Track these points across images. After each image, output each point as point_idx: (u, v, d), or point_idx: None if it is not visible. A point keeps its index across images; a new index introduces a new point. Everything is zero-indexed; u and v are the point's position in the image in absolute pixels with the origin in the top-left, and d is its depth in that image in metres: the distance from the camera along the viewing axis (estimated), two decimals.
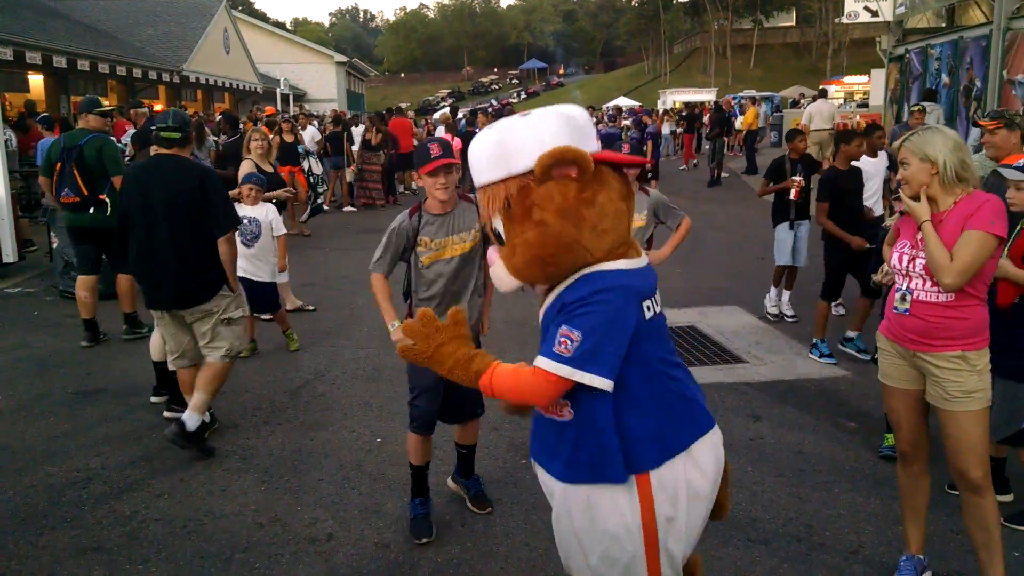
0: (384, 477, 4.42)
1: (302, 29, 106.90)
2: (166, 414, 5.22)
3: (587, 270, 2.05)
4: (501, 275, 2.13)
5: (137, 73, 21.75)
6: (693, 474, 2.13)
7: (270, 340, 6.81)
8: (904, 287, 3.18)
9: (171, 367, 4.90)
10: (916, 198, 3.12)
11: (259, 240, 6.40)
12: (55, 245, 8.70)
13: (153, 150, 4.81)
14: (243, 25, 36.83)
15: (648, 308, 2.07)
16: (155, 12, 28.95)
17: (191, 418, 4.62)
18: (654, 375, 2.11)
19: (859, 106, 27.93)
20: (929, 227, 3.05)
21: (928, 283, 3.08)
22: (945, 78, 17.20)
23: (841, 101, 35.04)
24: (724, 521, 3.86)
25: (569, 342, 1.97)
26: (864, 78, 37.17)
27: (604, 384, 1.99)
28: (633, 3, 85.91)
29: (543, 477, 2.27)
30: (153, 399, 5.53)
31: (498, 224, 2.09)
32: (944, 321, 3.06)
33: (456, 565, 3.58)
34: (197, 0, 30.98)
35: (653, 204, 4.86)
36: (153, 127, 4.77)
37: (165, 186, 4.53)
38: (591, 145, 2.03)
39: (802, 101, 35.76)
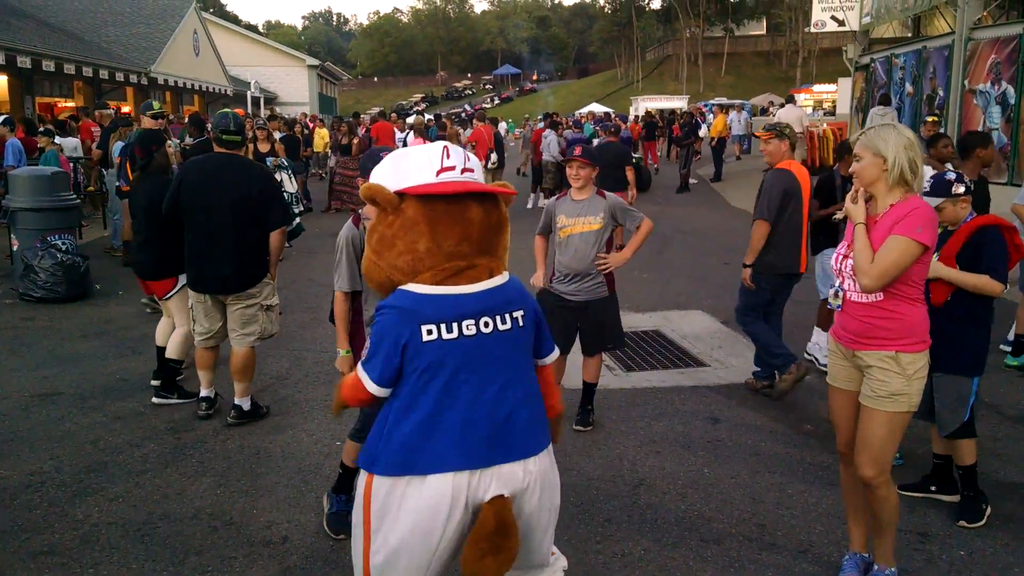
0: None
1: (275, 32, 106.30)
2: (155, 400, 5.56)
3: (399, 288, 2.30)
4: None
5: (104, 74, 21.50)
6: (411, 497, 2.23)
7: None
8: (838, 285, 3.26)
9: (198, 345, 5.24)
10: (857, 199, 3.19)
11: None
12: (15, 247, 8.58)
13: (157, 149, 5.54)
14: (213, 27, 36.54)
15: (430, 332, 2.23)
16: (123, 13, 28.60)
17: (244, 402, 5.20)
18: (416, 397, 2.26)
19: (826, 114, 28.32)
20: (861, 230, 3.11)
21: (858, 283, 3.14)
22: (909, 87, 17.49)
23: (810, 109, 35.46)
24: (678, 521, 3.95)
25: (366, 350, 2.32)
26: (833, 87, 37.70)
27: (373, 388, 2.29)
28: (606, 10, 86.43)
29: None
30: (153, 382, 5.68)
31: None
32: (877, 321, 3.11)
33: None
34: (166, 1, 30.68)
35: (610, 207, 4.88)
36: (212, 128, 5.18)
37: (232, 184, 4.92)
38: (420, 177, 2.27)
39: (771, 109, 36.16)
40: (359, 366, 2.33)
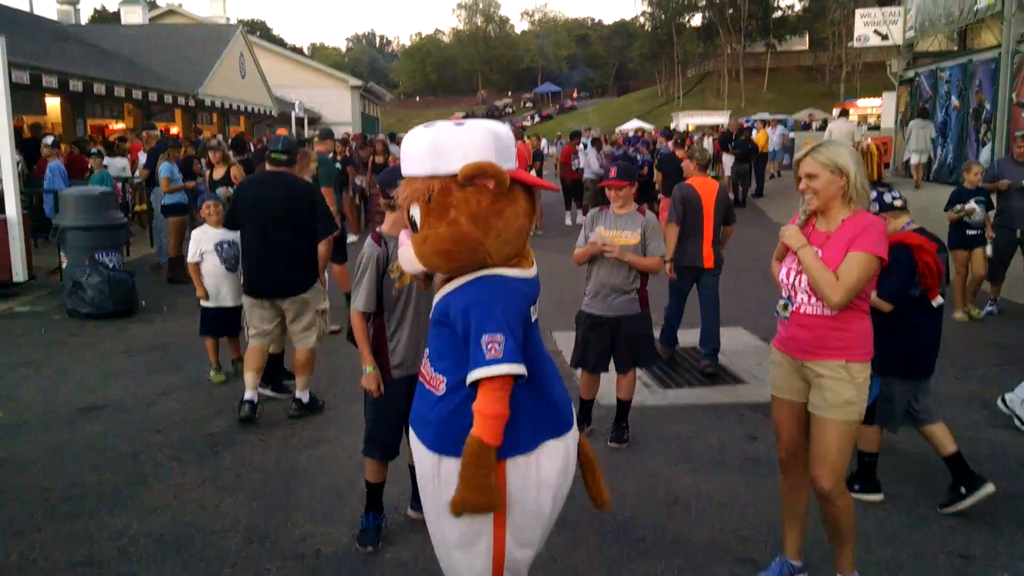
0: None
1: (319, 54, 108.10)
2: (261, 389, 5.80)
3: (484, 272, 2.35)
4: (409, 257, 2.43)
5: (153, 97, 22.01)
6: (547, 463, 2.40)
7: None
8: (787, 297, 3.29)
9: (250, 340, 5.65)
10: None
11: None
12: (64, 265, 8.81)
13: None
14: (259, 50, 37.23)
15: (533, 312, 2.45)
16: (172, 37, 29.36)
17: (304, 395, 5.69)
18: (528, 371, 2.35)
19: (870, 128, 27.92)
20: (808, 252, 3.15)
21: (813, 298, 3.18)
22: (955, 100, 17.21)
23: (855, 123, 34.96)
24: (712, 541, 3.89)
25: (498, 346, 2.24)
26: (877, 101, 37.16)
27: (521, 369, 2.29)
28: (646, 28, 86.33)
29: (414, 442, 2.56)
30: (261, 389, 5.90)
31: (415, 213, 2.37)
32: (828, 332, 3.16)
33: None
34: (213, 26, 31.44)
35: (645, 225, 4.89)
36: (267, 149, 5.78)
37: (279, 198, 5.41)
38: (510, 162, 2.32)
39: (813, 124, 35.77)
40: (496, 368, 2.23)
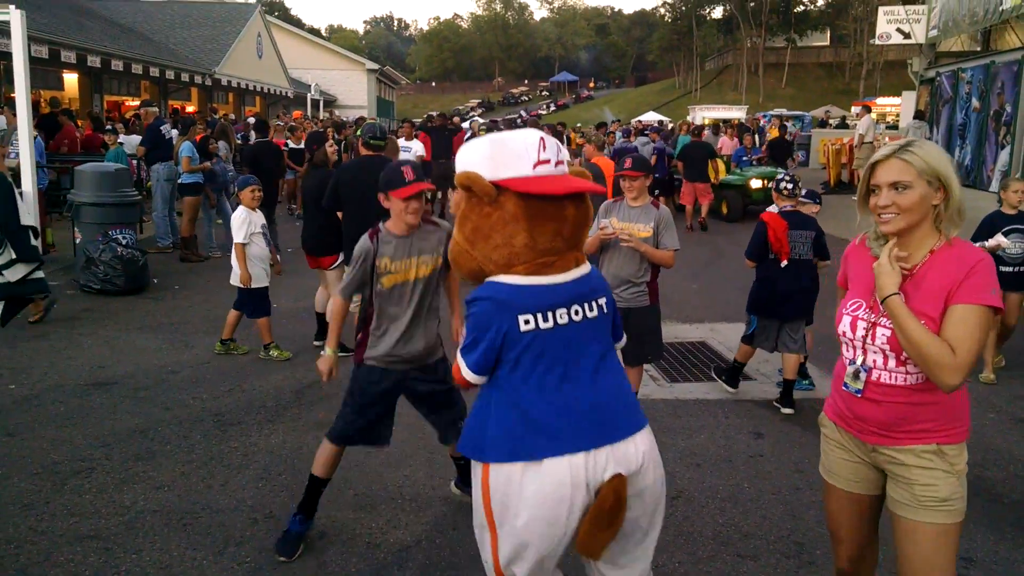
0: (380, 478, 4.47)
1: (337, 36, 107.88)
2: (316, 343, 6.81)
3: (489, 278, 2.37)
4: None
5: (170, 75, 22.07)
6: (530, 484, 2.26)
7: (282, 340, 6.84)
8: (858, 362, 2.45)
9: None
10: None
11: None
12: (78, 240, 8.86)
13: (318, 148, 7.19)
14: (276, 30, 37.25)
15: (527, 322, 2.29)
16: (190, 15, 29.39)
17: None
18: (519, 384, 2.32)
19: (888, 127, 27.72)
20: (901, 308, 2.28)
21: (892, 361, 2.37)
22: (975, 102, 17.05)
23: (874, 121, 34.79)
24: (714, 535, 3.90)
25: (463, 338, 2.38)
26: (897, 100, 36.88)
27: (471, 376, 2.36)
28: (666, 18, 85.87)
29: None
30: (316, 343, 6.81)
31: None
32: (912, 408, 2.36)
33: (444, 568, 3.61)
34: (232, 5, 31.43)
35: (658, 218, 4.89)
36: (360, 134, 6.34)
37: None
38: (512, 170, 2.29)
39: (830, 121, 35.55)
40: (458, 353, 2.39)
